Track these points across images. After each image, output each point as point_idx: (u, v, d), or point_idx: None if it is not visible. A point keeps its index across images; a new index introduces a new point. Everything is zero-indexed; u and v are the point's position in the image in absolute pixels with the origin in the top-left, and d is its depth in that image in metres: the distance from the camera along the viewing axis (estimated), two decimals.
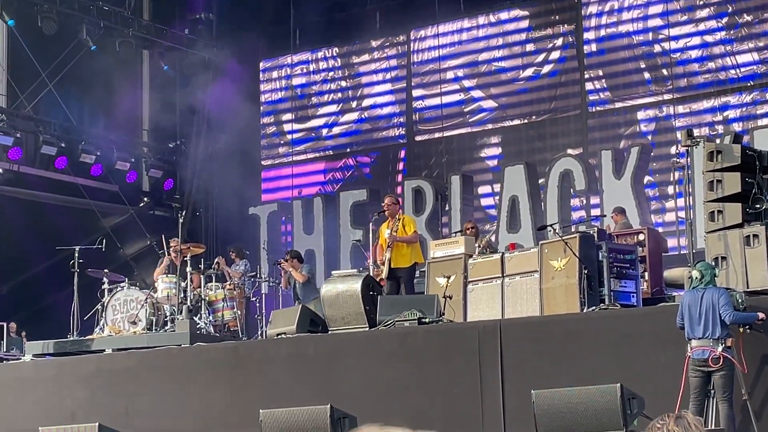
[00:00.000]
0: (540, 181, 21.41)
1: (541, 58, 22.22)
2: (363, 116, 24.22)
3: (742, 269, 12.12)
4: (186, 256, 17.00)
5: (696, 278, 11.18)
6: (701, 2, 20.73)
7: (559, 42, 22.10)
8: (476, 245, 15.77)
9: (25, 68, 22.15)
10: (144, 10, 24.61)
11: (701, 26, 20.69)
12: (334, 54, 24.64)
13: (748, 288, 11.93)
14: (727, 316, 10.81)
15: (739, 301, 11.05)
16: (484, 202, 22.45)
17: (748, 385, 11.02)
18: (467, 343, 12.83)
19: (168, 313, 16.88)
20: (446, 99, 23.06)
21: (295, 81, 25.01)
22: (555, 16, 22.16)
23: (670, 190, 19.06)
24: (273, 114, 25.24)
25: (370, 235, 17.33)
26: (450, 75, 23.13)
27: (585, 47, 21.74)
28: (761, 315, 10.96)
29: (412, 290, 15.58)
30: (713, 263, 11.97)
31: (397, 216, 15.89)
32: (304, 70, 24.95)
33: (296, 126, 24.87)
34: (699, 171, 13.53)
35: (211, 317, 17.03)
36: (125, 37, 23.21)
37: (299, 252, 18.83)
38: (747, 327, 11.03)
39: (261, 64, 25.42)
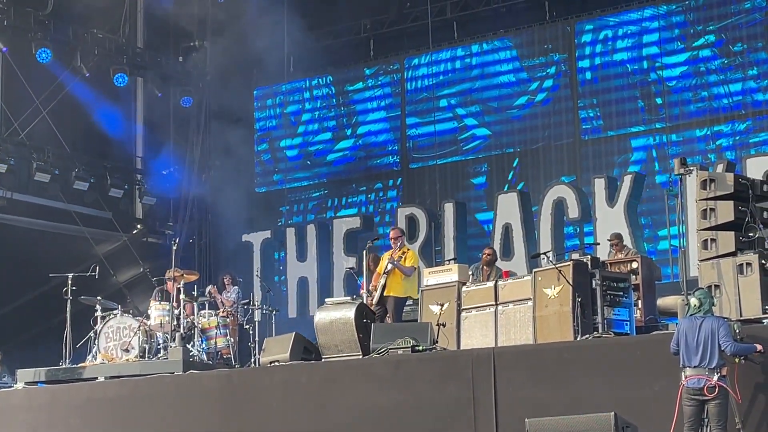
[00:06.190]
0: (533, 209, 21.42)
1: (534, 86, 22.27)
2: (357, 143, 24.24)
3: (735, 297, 12.10)
4: (179, 284, 16.97)
5: (694, 306, 11.12)
6: (695, 31, 20.80)
7: (552, 70, 22.15)
8: (475, 270, 15.79)
9: (19, 95, 22.14)
10: (138, 38, 24.62)
11: (695, 55, 20.76)
12: (328, 82, 24.67)
13: (741, 316, 11.91)
14: (728, 347, 10.75)
15: (737, 330, 11.01)
16: (485, 228, 22.36)
17: (742, 414, 10.99)
18: (461, 370, 12.79)
19: (161, 341, 16.83)
20: (440, 127, 23.10)
21: (289, 108, 25.03)
22: (548, 45, 22.21)
23: (663, 218, 19.06)
24: (267, 141, 25.24)
25: (363, 262, 17.29)
26: (444, 103, 23.18)
27: (579, 75, 21.80)
28: (759, 347, 10.91)
29: (399, 321, 15.54)
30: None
31: (402, 249, 15.93)
32: (298, 98, 24.98)
33: (290, 153, 24.87)
34: (692, 199, 13.55)
35: (204, 345, 16.97)
36: (119, 64, 23.24)
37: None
38: (742, 357, 11.00)
39: (255, 92, 25.44)
